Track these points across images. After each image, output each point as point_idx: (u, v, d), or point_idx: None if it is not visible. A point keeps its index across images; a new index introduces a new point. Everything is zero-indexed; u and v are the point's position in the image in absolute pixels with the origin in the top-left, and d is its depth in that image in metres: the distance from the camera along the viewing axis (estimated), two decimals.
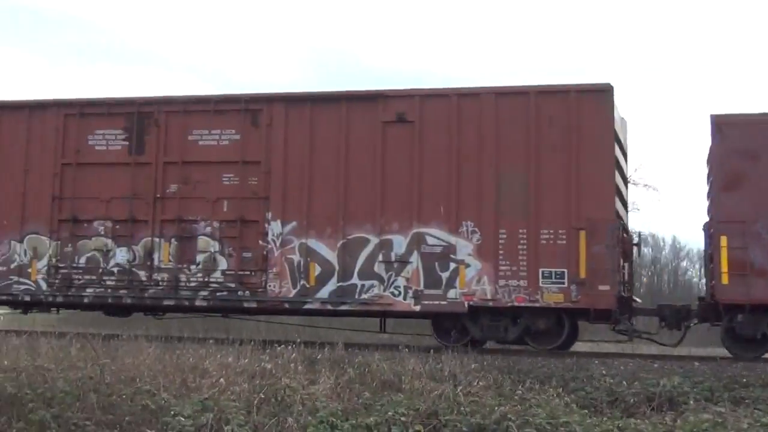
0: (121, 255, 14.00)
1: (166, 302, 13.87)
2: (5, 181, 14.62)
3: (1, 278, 14.46)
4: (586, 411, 7.04)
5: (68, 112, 14.50)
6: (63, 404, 6.40)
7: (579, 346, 14.41)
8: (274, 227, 13.44)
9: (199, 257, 13.72)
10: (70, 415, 6.22)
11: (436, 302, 12.82)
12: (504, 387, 8.19)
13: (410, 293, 12.89)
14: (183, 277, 13.73)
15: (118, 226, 14.08)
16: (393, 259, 12.98)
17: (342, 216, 13.19)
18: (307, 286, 13.26)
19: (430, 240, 12.90)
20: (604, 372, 9.39)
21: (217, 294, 13.60)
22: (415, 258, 12.90)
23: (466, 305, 12.72)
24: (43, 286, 14.24)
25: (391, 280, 12.97)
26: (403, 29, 74.51)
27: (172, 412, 6.12)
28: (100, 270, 14.05)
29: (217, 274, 13.62)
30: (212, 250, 13.66)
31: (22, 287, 14.35)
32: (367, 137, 13.24)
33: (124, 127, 14.27)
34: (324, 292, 13.20)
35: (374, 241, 13.06)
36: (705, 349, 15.93)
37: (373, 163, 13.19)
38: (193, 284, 13.70)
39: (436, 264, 12.85)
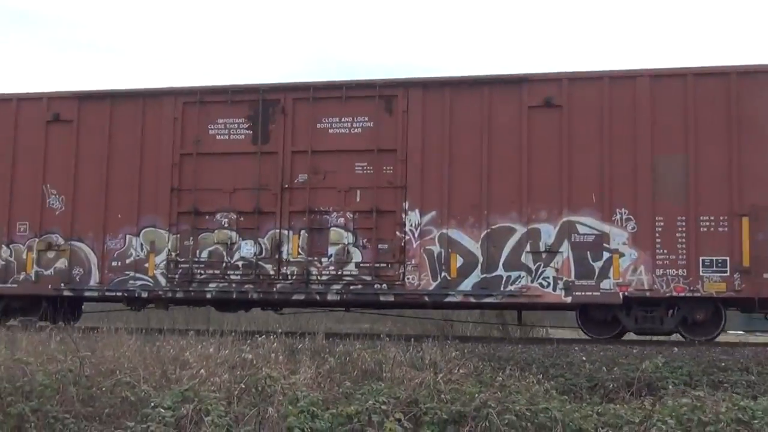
0: (246, 248, 13.91)
1: (295, 297, 13.81)
2: (119, 172, 14.62)
3: (116, 274, 14.41)
4: (566, 397, 7.33)
5: (187, 101, 14.53)
6: (42, 397, 6.66)
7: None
8: (412, 217, 13.36)
9: (331, 249, 13.64)
10: (49, 408, 6.51)
11: (589, 293, 12.75)
12: (484, 374, 8.50)
13: (560, 284, 12.82)
14: (314, 271, 13.65)
15: (242, 218, 14.04)
16: (542, 249, 12.89)
17: (486, 205, 13.06)
18: (449, 278, 13.19)
19: (581, 229, 12.85)
20: (583, 358, 9.73)
21: (351, 287, 13.51)
22: (565, 248, 12.85)
23: (621, 296, 12.58)
24: (162, 281, 14.16)
25: (540, 270, 12.90)
26: (376, 22, 74.59)
27: (152, 404, 6.39)
28: (224, 264, 13.92)
29: (351, 267, 13.54)
30: (345, 242, 13.59)
31: (139, 283, 14.29)
32: (511, 122, 13.24)
33: (247, 115, 14.27)
34: (467, 285, 13.13)
35: (521, 230, 13.00)
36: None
37: (518, 150, 13.18)
38: (325, 278, 13.62)
39: (589, 253, 12.80)
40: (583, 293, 12.79)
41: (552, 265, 12.91)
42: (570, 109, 13.10)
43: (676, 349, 10.86)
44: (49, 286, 14.65)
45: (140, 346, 8.92)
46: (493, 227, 13.16)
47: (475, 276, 13.15)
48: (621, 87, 12.99)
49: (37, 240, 14.77)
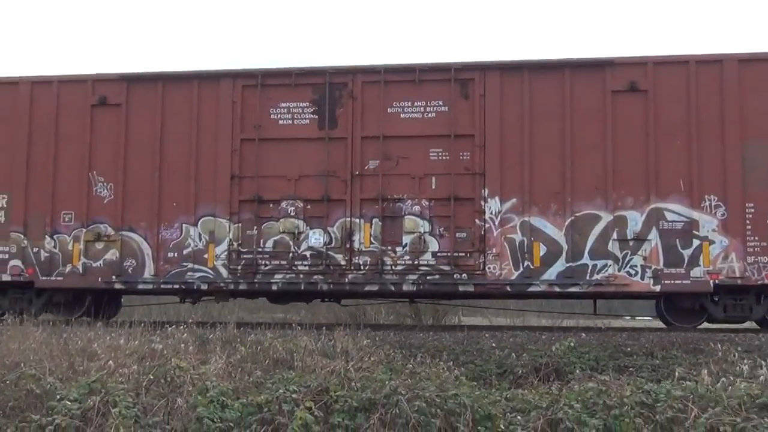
0: (315, 237, 13.61)
1: (368, 288, 13.57)
2: (172, 159, 14.16)
3: (173, 265, 13.98)
4: (475, 383, 7.58)
5: (246, 83, 14.17)
6: None
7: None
8: (492, 205, 13.25)
9: (406, 238, 13.44)
10: None
11: (678, 282, 12.79)
12: (395, 362, 8.72)
13: (649, 273, 12.83)
14: (388, 261, 13.40)
15: (309, 206, 13.71)
16: (629, 236, 12.86)
17: (569, 192, 13.00)
18: (531, 267, 13.10)
19: (669, 216, 12.87)
20: (493, 345, 10.13)
21: (428, 278, 13.31)
22: (653, 235, 12.82)
23: (712, 284, 12.63)
24: (224, 273, 13.79)
25: (627, 259, 12.89)
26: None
27: (58, 396, 6.44)
28: (291, 254, 13.60)
29: (428, 256, 13.37)
30: (421, 231, 13.40)
31: (198, 275, 13.88)
32: (594, 107, 13.22)
33: (312, 99, 13.98)
34: (551, 274, 13.06)
35: (607, 217, 12.98)
36: None
37: (602, 135, 13.13)
38: (399, 268, 13.42)
39: (678, 241, 12.80)
40: (672, 282, 12.81)
41: (640, 253, 12.90)
42: (655, 94, 13.09)
43: (583, 334, 11.15)
44: (99, 279, 14.14)
45: (47, 337, 8.97)
46: (577, 215, 13.10)
47: (560, 265, 13.08)
48: (707, 71, 13.03)
49: (84, 230, 14.24)
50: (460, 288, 13.37)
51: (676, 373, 7.91)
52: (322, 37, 75.93)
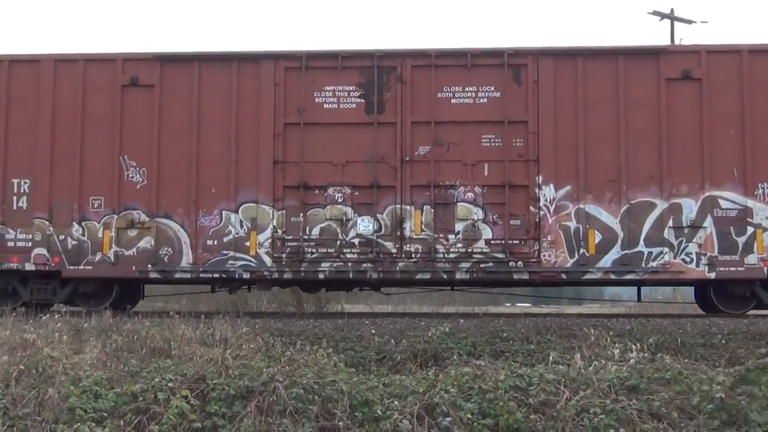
0: (364, 225, 13.54)
1: (419, 276, 13.56)
2: (210, 143, 13.89)
3: (212, 253, 13.70)
4: (354, 369, 7.87)
5: (289, 65, 13.98)
6: None
7: None
8: (547, 192, 13.41)
9: (459, 226, 13.46)
10: None
11: (733, 269, 13.17)
12: (274, 349, 8.93)
13: (704, 260, 13.17)
14: (440, 248, 13.41)
15: (357, 193, 13.61)
16: (684, 224, 13.18)
17: (624, 179, 13.26)
18: (587, 255, 13.28)
19: (723, 203, 13.25)
20: (373, 331, 10.38)
21: (482, 266, 13.37)
22: (708, 223, 13.16)
23: (766, 271, 13.05)
24: (267, 261, 13.59)
25: (682, 246, 13.20)
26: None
27: None
28: (339, 242, 13.49)
29: (481, 244, 13.45)
30: (474, 218, 13.44)
31: (240, 263, 13.65)
32: (648, 95, 13.52)
33: (358, 82, 13.89)
34: (606, 261, 13.29)
35: (662, 205, 13.26)
36: None
37: (657, 123, 13.42)
38: (452, 255, 13.44)
39: (732, 228, 13.17)
40: (726, 269, 13.17)
41: (695, 240, 13.23)
42: (709, 82, 13.45)
43: (462, 320, 11.51)
44: (133, 268, 13.74)
45: None
46: (632, 202, 13.34)
47: (615, 252, 13.30)
48: (761, 60, 13.47)
49: (115, 217, 13.81)
50: (515, 276, 13.48)
51: (551, 358, 8.21)
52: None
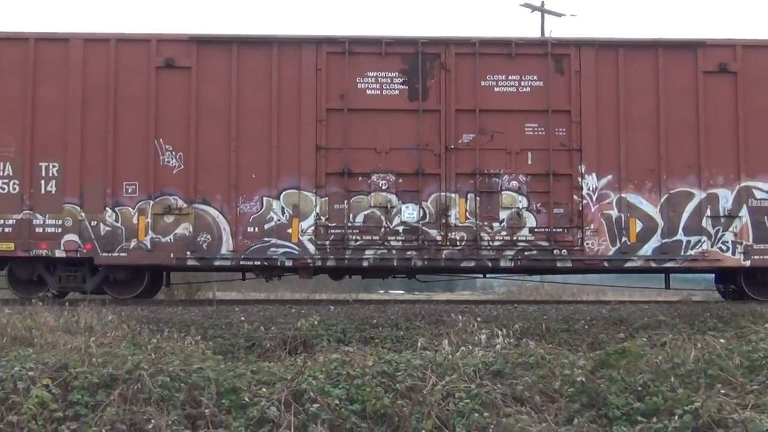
0: (408, 212, 13.78)
1: (464, 264, 13.87)
2: (249, 127, 13.89)
3: (253, 240, 13.72)
4: (221, 357, 8.03)
5: (331, 50, 14.07)
6: None
7: None
8: (589, 181, 13.90)
9: (503, 214, 13.83)
10: None
11: (767, 257, 13.83)
12: (141, 337, 9.13)
13: (739, 248, 13.86)
14: (485, 236, 13.76)
15: (401, 180, 13.83)
16: (721, 213, 13.86)
17: (664, 169, 13.86)
18: (628, 243, 13.81)
19: (758, 194, 13.96)
20: (243, 319, 10.66)
21: (526, 253, 13.78)
22: (744, 212, 13.87)
23: None
24: (310, 248, 13.70)
25: (719, 235, 13.86)
26: None
27: None
28: (383, 229, 13.71)
29: (525, 232, 13.84)
30: (519, 206, 13.83)
31: (282, 250, 13.72)
32: (687, 86, 14.11)
33: (401, 69, 14.11)
34: (646, 250, 13.86)
35: (700, 195, 13.91)
36: None
37: (694, 114, 14.04)
38: (497, 243, 13.79)
39: (766, 218, 13.91)
40: (761, 257, 13.90)
41: (731, 229, 13.92)
42: (744, 76, 14.14)
43: (332, 307, 11.84)
44: (171, 256, 13.65)
45: None
46: (672, 192, 13.93)
47: (655, 241, 13.88)
48: None
49: (151, 202, 13.69)
50: (558, 264, 13.92)
51: (419, 344, 8.52)
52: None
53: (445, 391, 6.49)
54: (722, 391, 6.45)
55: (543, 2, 33.41)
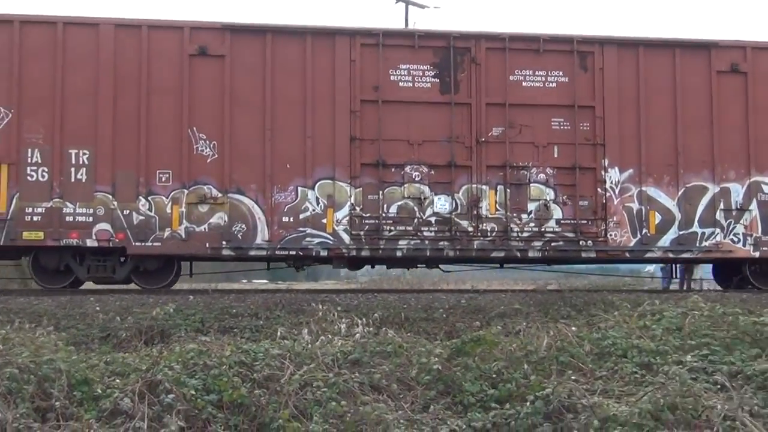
0: (440, 203, 14.38)
1: (494, 254, 14.56)
2: (284, 117, 14.25)
3: (288, 230, 14.09)
4: (73, 348, 7.91)
5: (365, 42, 14.52)
6: None
7: None
8: (612, 174, 14.79)
9: (531, 206, 14.59)
10: None
11: None
12: None
13: (750, 240, 14.98)
14: (515, 227, 14.49)
15: (433, 172, 14.42)
16: (733, 207, 14.95)
17: (681, 164, 14.87)
18: (648, 234, 14.77)
19: (766, 188, 15.08)
20: (98, 308, 10.70)
21: (553, 244, 14.58)
22: (753, 206, 15.00)
23: None
24: (345, 238, 14.16)
25: (731, 227, 14.96)
26: None
27: None
28: (416, 220, 14.29)
29: (552, 224, 14.63)
30: (546, 198, 14.60)
31: (317, 240, 14.13)
32: (701, 85, 15.13)
33: (432, 62, 14.68)
34: (665, 241, 14.84)
35: (713, 189, 14.97)
36: None
37: (708, 112, 15.07)
38: (525, 234, 14.54)
39: None
40: None
41: (742, 222, 15.02)
42: (754, 76, 15.25)
43: (191, 297, 12.01)
44: (207, 245, 13.89)
45: None
46: (688, 186, 14.93)
47: (673, 232, 14.85)
48: None
49: (185, 191, 13.88)
50: (583, 254, 14.76)
51: (278, 333, 8.63)
52: None
53: (303, 381, 6.55)
54: (573, 378, 6.64)
55: None
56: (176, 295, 12.11)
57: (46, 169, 13.64)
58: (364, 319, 9.28)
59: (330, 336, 8.04)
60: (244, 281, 25.27)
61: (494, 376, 6.91)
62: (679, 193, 14.90)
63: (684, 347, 7.37)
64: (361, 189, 14.26)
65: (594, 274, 26.30)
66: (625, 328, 8.28)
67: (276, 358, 6.96)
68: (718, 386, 6.24)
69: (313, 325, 9.03)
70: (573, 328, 8.28)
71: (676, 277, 17.03)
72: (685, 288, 18.60)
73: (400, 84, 14.56)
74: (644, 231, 14.79)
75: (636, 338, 7.74)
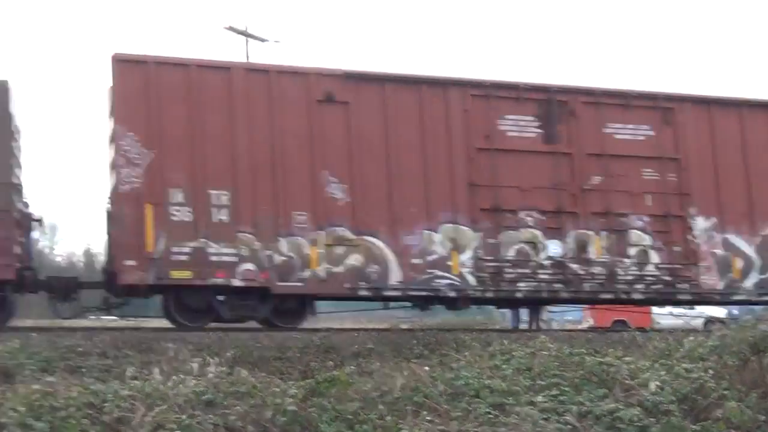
0: (553, 247, 18.66)
1: (603, 296, 18.92)
2: (402, 162, 18.31)
3: (418, 272, 17.88)
4: None
5: (474, 93, 19.00)
6: None
7: None
8: (699, 222, 19.75)
9: (631, 250, 19.14)
10: None
11: None
12: None
13: None
14: (620, 271, 18.92)
15: (544, 218, 18.69)
16: None
17: (756, 213, 19.94)
18: (733, 278, 19.63)
19: None
20: None
21: (653, 287, 19.12)
22: None
23: None
24: (471, 280, 18.22)
25: None
26: None
27: None
28: (532, 263, 18.42)
29: (650, 267, 19.29)
30: (644, 244, 19.21)
31: (445, 282, 18.09)
32: (765, 140, 20.28)
33: (535, 113, 19.29)
34: (747, 284, 19.81)
35: None
36: None
37: None
38: (629, 278, 19.03)
39: None
40: None
41: None
42: None
43: (34, 334, 13.56)
44: (346, 285, 17.30)
45: None
46: (762, 234, 20.04)
47: (754, 277, 19.98)
48: None
49: (322, 233, 17.50)
50: (679, 296, 19.36)
51: (128, 373, 9.32)
52: None
53: (156, 422, 7.13)
54: (428, 418, 7.59)
55: (246, 27, 40.80)
56: (18, 332, 13.72)
57: (189, 210, 16.75)
58: (216, 358, 10.35)
59: (182, 376, 8.71)
60: (92, 317, 27.02)
61: (350, 417, 7.67)
62: (757, 240, 19.92)
63: (534, 387, 8.55)
64: (481, 233, 18.30)
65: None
66: (476, 367, 9.55)
67: (126, 399, 7.57)
68: (569, 426, 7.43)
69: (164, 364, 10.19)
70: (426, 368, 9.45)
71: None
72: (534, 327, 23.92)
73: (508, 133, 18.93)
74: (729, 275, 19.65)
75: (487, 378, 8.86)
